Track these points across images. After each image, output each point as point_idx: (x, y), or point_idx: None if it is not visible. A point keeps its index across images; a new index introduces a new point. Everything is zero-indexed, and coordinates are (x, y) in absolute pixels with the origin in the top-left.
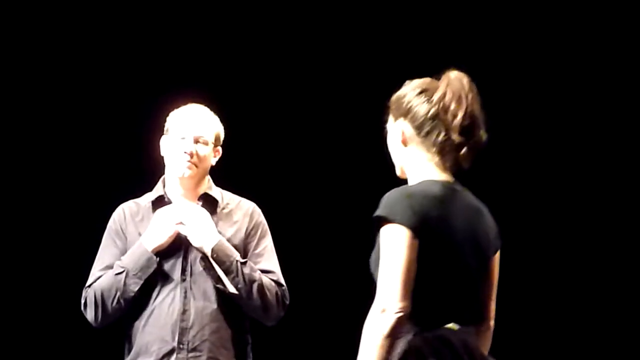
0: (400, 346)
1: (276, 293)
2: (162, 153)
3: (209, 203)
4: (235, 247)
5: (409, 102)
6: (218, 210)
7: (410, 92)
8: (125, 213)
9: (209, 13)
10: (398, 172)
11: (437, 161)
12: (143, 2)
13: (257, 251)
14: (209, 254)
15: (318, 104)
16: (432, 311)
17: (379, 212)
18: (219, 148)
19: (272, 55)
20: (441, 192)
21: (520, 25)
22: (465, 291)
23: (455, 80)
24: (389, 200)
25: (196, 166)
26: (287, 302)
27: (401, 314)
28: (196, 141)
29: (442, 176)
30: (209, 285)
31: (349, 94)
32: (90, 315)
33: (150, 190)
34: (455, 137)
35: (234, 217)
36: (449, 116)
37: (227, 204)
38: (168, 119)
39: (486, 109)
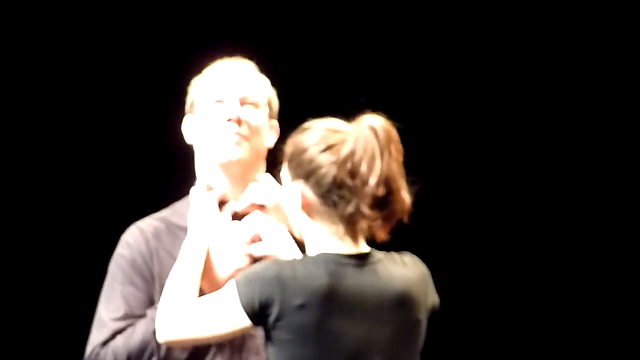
0: None
1: None
2: (189, 140)
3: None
4: None
5: (311, 162)
6: None
7: (312, 147)
8: (146, 234)
9: None
10: (297, 235)
11: (342, 234)
12: None
13: None
14: None
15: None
16: None
17: (240, 278)
18: (275, 123)
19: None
20: (324, 276)
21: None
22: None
23: (367, 131)
24: (261, 279)
25: (248, 140)
26: None
27: None
28: (243, 104)
29: (346, 248)
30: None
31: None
32: None
33: (178, 198)
34: (366, 210)
35: None
36: (359, 182)
37: None
38: (191, 88)
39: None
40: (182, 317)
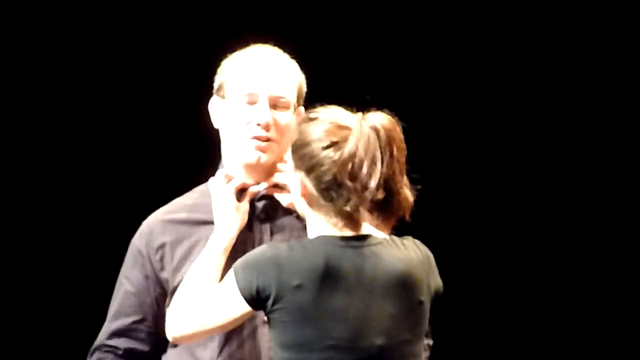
0: None
1: None
2: (216, 124)
3: (272, 204)
4: None
5: (313, 157)
6: (280, 216)
7: (316, 141)
8: (158, 224)
9: None
10: (300, 213)
11: (341, 225)
12: None
13: None
14: None
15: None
16: None
17: (238, 264)
18: (302, 109)
19: None
20: (321, 256)
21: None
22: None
23: (369, 131)
24: (257, 262)
25: (276, 142)
26: None
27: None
28: (274, 105)
29: (344, 232)
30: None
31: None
32: None
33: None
34: (365, 212)
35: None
36: (358, 185)
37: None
38: (221, 70)
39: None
40: (187, 312)
